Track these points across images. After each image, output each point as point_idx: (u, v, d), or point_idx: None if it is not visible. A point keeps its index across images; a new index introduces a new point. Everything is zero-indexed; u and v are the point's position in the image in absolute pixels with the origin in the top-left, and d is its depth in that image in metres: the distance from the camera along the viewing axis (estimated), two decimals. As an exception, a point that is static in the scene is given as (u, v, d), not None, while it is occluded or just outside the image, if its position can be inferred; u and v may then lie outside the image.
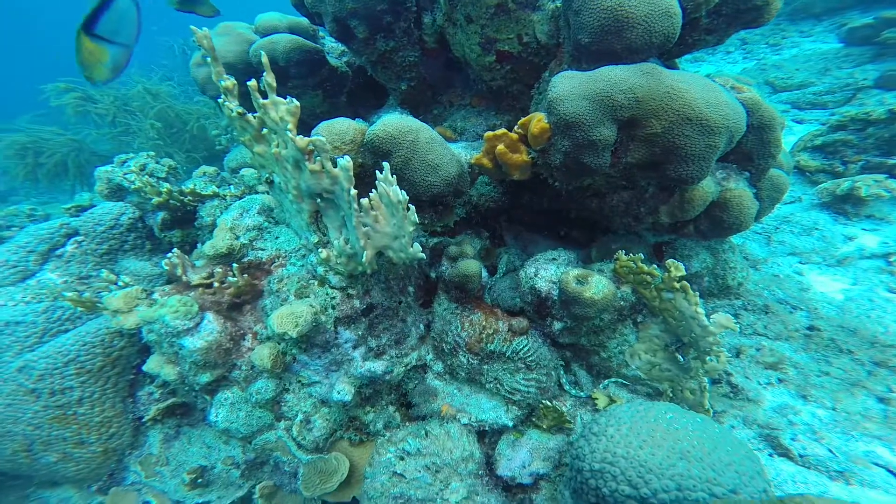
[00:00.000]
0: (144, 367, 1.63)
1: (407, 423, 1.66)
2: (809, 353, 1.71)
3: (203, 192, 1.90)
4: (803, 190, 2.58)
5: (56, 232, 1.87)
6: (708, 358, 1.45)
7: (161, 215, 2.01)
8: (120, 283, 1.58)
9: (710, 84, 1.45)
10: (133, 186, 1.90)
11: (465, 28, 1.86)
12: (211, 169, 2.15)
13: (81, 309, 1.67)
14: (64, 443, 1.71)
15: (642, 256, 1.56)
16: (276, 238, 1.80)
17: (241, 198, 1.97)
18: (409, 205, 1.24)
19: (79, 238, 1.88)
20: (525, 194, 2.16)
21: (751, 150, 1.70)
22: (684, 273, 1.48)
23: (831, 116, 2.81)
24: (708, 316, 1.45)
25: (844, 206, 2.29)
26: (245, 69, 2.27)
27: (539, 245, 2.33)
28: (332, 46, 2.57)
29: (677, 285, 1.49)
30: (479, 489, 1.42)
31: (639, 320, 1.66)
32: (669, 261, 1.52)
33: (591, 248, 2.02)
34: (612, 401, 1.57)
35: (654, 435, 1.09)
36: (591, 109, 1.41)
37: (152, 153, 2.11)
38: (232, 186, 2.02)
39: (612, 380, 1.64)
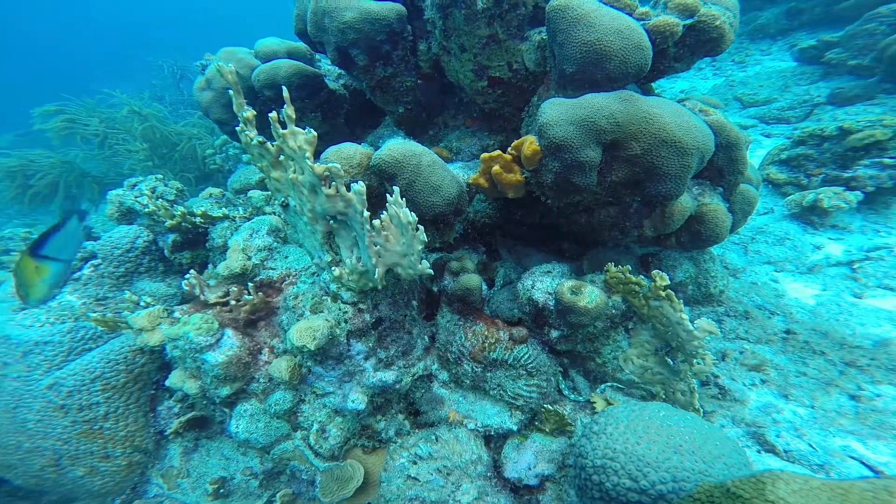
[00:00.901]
0: (167, 382, 1.71)
1: (416, 430, 1.76)
2: (788, 356, 1.85)
3: (214, 215, 2.00)
4: (775, 201, 2.76)
5: (73, 256, 1.95)
6: (695, 361, 1.58)
7: (172, 237, 2.10)
8: (142, 304, 1.67)
9: (681, 109, 1.60)
10: (146, 210, 1.99)
11: (459, 56, 2.00)
12: (217, 191, 2.25)
13: (103, 328, 1.75)
14: (91, 457, 1.77)
15: (630, 268, 1.70)
16: (286, 257, 1.90)
17: (249, 219, 2.07)
18: (419, 225, 1.36)
19: (95, 262, 1.96)
20: (518, 210, 2.29)
21: (722, 167, 1.85)
22: (668, 283, 1.62)
23: (794, 131, 3.01)
24: (692, 322, 1.59)
25: (811, 216, 2.47)
26: (247, 93, 2.39)
27: (533, 257, 2.46)
28: (328, 69, 2.70)
29: (663, 294, 1.62)
30: (488, 490, 1.52)
31: (630, 327, 1.79)
32: (655, 272, 1.65)
33: (583, 261, 2.15)
34: (608, 404, 1.69)
35: (650, 432, 1.21)
36: (577, 133, 1.55)
37: (160, 176, 2.20)
38: (240, 208, 2.12)
39: (608, 384, 1.76)
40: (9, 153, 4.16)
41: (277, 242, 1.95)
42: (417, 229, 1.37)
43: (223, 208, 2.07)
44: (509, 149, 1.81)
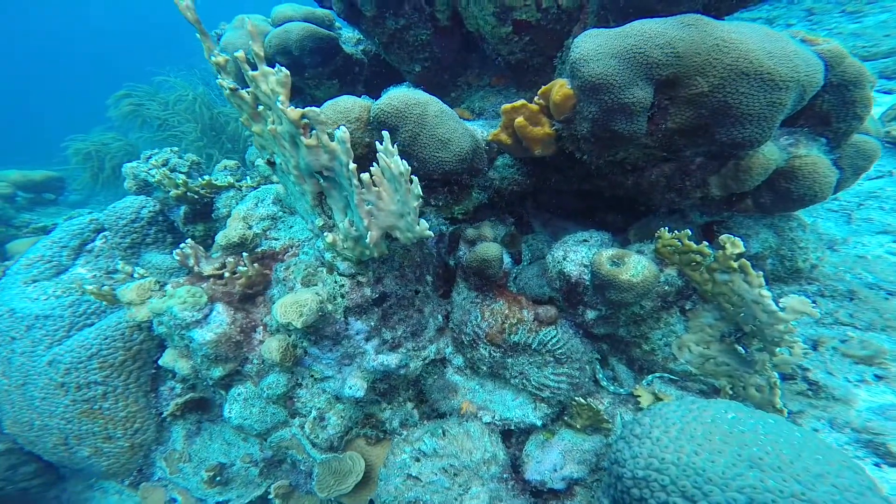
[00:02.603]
0: (160, 362, 1.61)
1: (425, 422, 1.53)
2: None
3: (219, 184, 1.88)
4: (894, 163, 2.20)
5: (86, 227, 1.92)
6: (778, 350, 1.21)
7: (183, 209, 2.02)
8: (136, 275, 1.57)
9: (774, 33, 1.23)
10: (154, 180, 1.91)
11: (479, -2, 1.73)
12: (231, 162, 2.15)
13: (104, 302, 1.68)
14: (94, 437, 1.73)
15: (689, 233, 1.35)
16: (290, 227, 1.74)
17: (256, 188, 1.93)
18: (412, 176, 1.12)
19: (106, 233, 1.91)
20: (552, 175, 1.98)
21: (828, 112, 1.45)
22: (742, 249, 1.25)
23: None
24: (776, 301, 1.22)
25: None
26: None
27: (570, 232, 2.14)
28: (348, 36, 2.52)
29: (734, 264, 1.26)
30: (502, 494, 1.26)
31: (687, 308, 1.43)
32: (724, 236, 1.29)
33: (629, 231, 1.81)
34: (657, 398, 1.36)
35: (712, 438, 0.89)
36: (621, 68, 1.24)
37: (176, 149, 2.13)
38: (247, 178, 1.99)
39: (657, 374, 1.43)
40: (84, 137, 4.38)
41: (283, 212, 1.79)
42: (412, 181, 1.13)
43: (231, 178, 1.95)
44: (536, 97, 1.52)
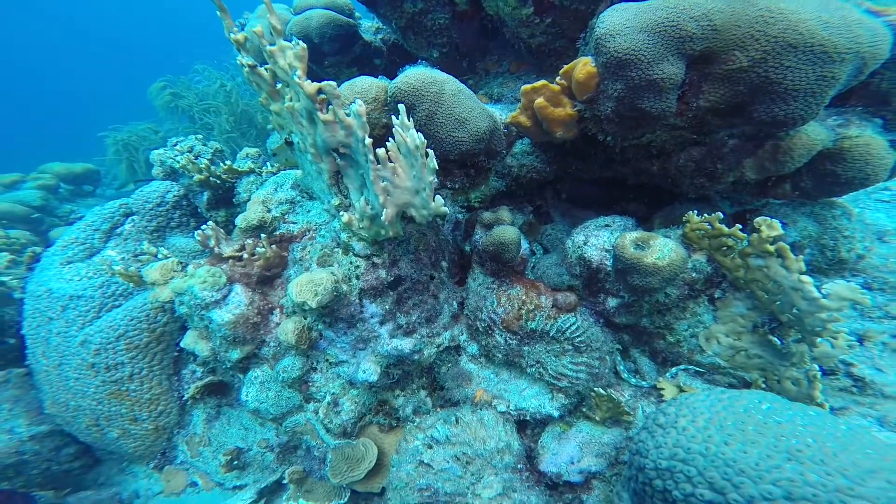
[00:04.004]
0: (182, 343, 1.63)
1: (438, 410, 1.50)
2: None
3: (240, 169, 1.91)
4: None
5: (116, 211, 1.99)
6: (819, 340, 1.12)
7: (206, 195, 2.06)
8: (159, 256, 1.61)
9: (834, 1, 1.14)
10: (178, 165, 1.96)
11: (500, -24, 1.69)
12: (253, 150, 2.18)
13: (131, 283, 1.73)
14: (121, 419, 1.77)
15: (721, 215, 1.27)
16: (308, 212, 1.74)
17: (276, 174, 1.95)
18: (428, 150, 1.09)
19: (134, 217, 1.97)
20: (572, 162, 1.91)
21: (888, 91, 1.34)
22: (780, 232, 1.17)
23: None
24: (819, 288, 1.12)
25: None
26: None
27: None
28: (368, 25, 2.52)
29: (771, 248, 1.18)
30: (516, 485, 1.21)
31: (717, 296, 1.35)
32: (760, 218, 1.21)
33: (654, 220, 1.73)
34: (682, 391, 1.28)
35: (745, 428, 0.83)
36: (650, 43, 1.18)
37: (200, 136, 2.18)
38: (268, 164, 2.01)
39: (682, 367, 1.35)
40: (121, 127, 4.53)
41: (302, 197, 1.80)
42: (427, 155, 1.10)
43: (250, 163, 1.98)
44: (557, 78, 1.47)
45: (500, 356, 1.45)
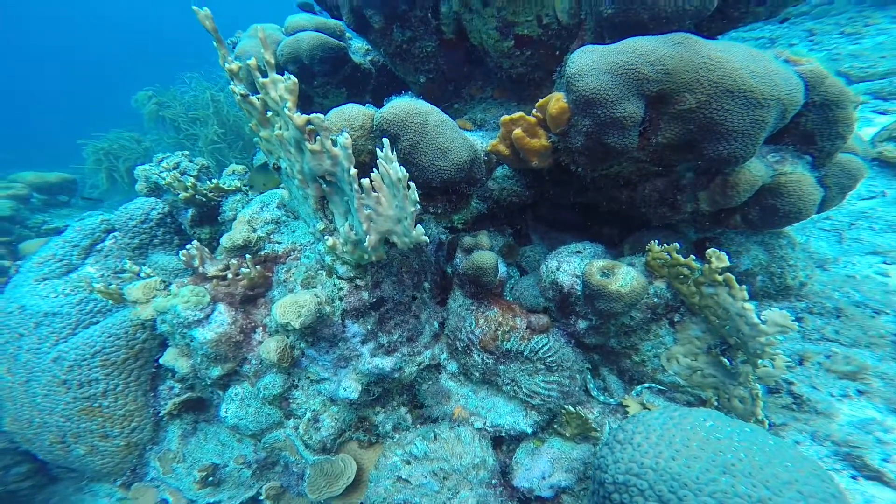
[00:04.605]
0: (161, 360, 1.65)
1: (418, 426, 1.56)
2: (897, 363, 1.42)
3: (226, 188, 1.94)
4: (888, 184, 2.24)
5: (97, 228, 1.99)
6: (760, 362, 1.24)
7: (191, 212, 2.08)
8: (142, 275, 1.63)
9: (757, 53, 1.28)
10: (164, 182, 1.98)
11: (482, 12, 1.80)
12: (240, 167, 2.21)
13: (111, 300, 1.73)
14: (91, 435, 1.75)
15: (678, 246, 1.39)
16: (293, 232, 1.79)
17: (262, 193, 1.99)
18: (410, 182, 1.17)
19: (116, 234, 1.97)
20: (550, 188, 2.03)
21: (812, 131, 1.49)
22: (727, 264, 1.29)
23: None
24: (759, 314, 1.25)
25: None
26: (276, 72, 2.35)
27: (567, 244, 2.18)
28: (358, 46, 2.60)
29: (719, 278, 1.30)
30: (490, 500, 1.28)
31: (676, 320, 1.47)
32: (710, 250, 1.33)
33: (623, 245, 1.85)
34: (645, 409, 1.38)
35: (690, 444, 0.92)
36: (613, 84, 1.29)
37: (186, 152, 2.20)
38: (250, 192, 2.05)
39: (646, 385, 1.45)
40: (101, 135, 4.37)
41: (287, 217, 1.84)
42: (409, 187, 1.18)
43: (238, 182, 2.01)
44: (534, 110, 1.58)
45: (478, 375, 1.52)
